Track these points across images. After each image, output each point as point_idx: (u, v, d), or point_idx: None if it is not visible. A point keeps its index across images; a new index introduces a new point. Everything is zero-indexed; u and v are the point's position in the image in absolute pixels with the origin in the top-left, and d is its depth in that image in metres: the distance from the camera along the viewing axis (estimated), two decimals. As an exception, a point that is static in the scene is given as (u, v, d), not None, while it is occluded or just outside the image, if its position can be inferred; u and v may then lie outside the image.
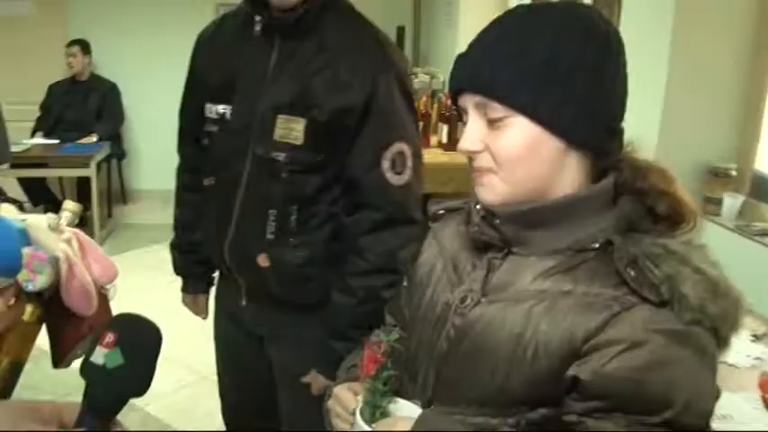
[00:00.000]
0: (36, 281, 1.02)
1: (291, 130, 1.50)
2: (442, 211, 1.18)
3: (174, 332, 2.07)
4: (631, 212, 0.92)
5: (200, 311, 1.94)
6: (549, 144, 0.91)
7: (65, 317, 1.15)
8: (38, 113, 5.65)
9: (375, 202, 1.54)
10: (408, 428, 0.93)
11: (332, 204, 1.59)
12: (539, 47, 0.89)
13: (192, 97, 1.71)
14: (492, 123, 0.92)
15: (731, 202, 2.87)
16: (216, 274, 1.91)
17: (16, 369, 1.16)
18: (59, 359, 1.20)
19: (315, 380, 1.65)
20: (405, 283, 1.27)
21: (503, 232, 0.96)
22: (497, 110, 0.91)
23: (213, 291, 1.96)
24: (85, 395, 0.87)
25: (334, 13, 1.54)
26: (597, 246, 0.91)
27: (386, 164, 1.52)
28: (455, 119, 4.05)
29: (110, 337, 0.87)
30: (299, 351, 1.67)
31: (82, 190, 5.46)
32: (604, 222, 0.92)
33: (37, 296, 1.12)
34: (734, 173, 2.93)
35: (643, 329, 0.82)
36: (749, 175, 2.98)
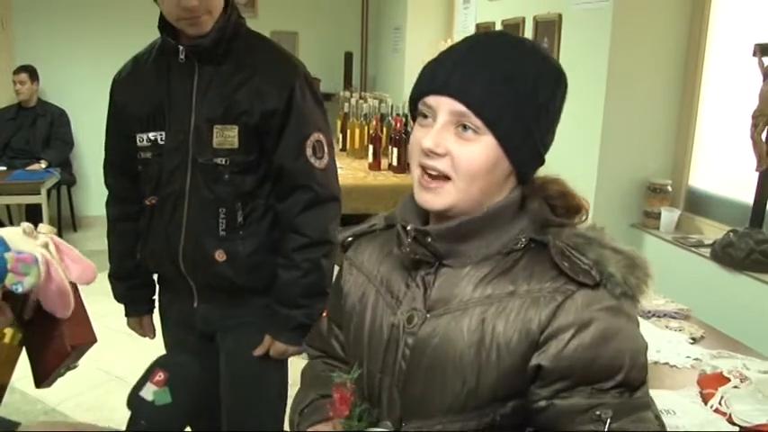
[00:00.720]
0: (24, 282, 1.03)
1: (227, 137, 1.70)
2: (350, 238, 1.22)
3: (130, 353, 2.09)
4: (540, 210, 1.03)
5: (148, 332, 2.05)
6: (502, 167, 0.99)
7: (46, 338, 1.17)
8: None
9: (304, 184, 1.74)
10: None
11: (268, 197, 1.78)
12: (524, 81, 0.97)
13: (118, 132, 1.84)
14: (461, 133, 0.97)
15: (668, 215, 3.04)
16: (156, 296, 2.02)
17: (1, 393, 1.18)
18: (42, 379, 1.21)
19: (273, 345, 1.83)
20: (324, 314, 1.32)
21: (435, 248, 1.02)
22: (475, 123, 0.96)
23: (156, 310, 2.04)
24: (129, 426, 0.91)
25: (242, 40, 1.74)
26: (523, 246, 1.01)
27: (308, 151, 1.74)
28: (404, 142, 4.16)
29: (160, 376, 0.91)
30: (250, 337, 1.84)
31: (31, 217, 5.38)
32: (521, 223, 1.02)
33: (18, 319, 1.14)
34: (670, 188, 3.11)
35: (587, 311, 0.94)
36: (684, 190, 3.17)
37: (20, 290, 1.03)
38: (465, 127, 0.97)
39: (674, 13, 3.05)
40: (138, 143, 1.77)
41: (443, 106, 0.98)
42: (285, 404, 1.96)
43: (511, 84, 0.96)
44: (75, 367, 1.25)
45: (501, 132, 0.96)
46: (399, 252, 1.07)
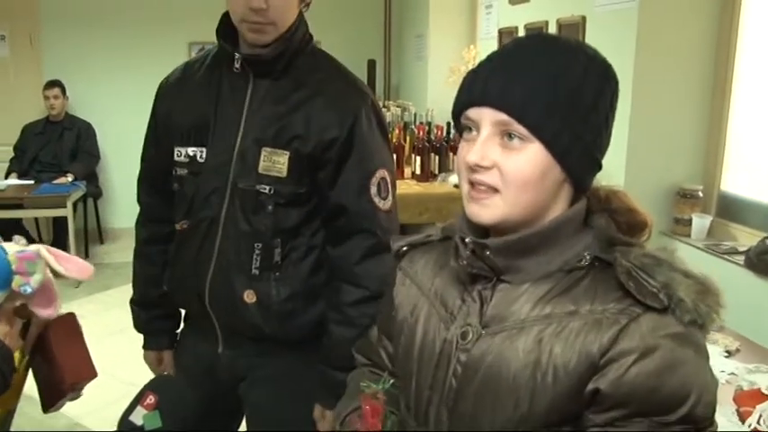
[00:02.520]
0: (32, 281, 1.01)
1: (275, 162, 1.52)
2: (405, 248, 1.19)
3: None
4: (607, 228, 0.98)
5: (167, 368, 1.84)
6: (554, 174, 0.94)
7: (48, 371, 1.15)
8: (12, 155, 5.64)
9: (366, 227, 1.56)
10: None
11: (312, 237, 1.60)
12: (567, 81, 0.93)
13: (157, 143, 1.71)
14: (507, 143, 0.93)
15: (700, 222, 2.96)
16: (179, 330, 1.87)
17: (8, 418, 1.16)
18: (48, 406, 1.19)
19: (323, 415, 1.62)
20: (375, 326, 1.29)
21: (494, 263, 0.98)
22: (519, 131, 0.92)
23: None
24: None
25: (307, 57, 1.58)
26: (587, 264, 0.96)
27: (373, 189, 1.55)
28: (428, 150, 4.13)
29: (150, 399, 0.88)
30: (278, 391, 1.65)
31: (58, 230, 5.44)
32: (585, 240, 0.97)
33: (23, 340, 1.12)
34: (701, 194, 3.03)
35: (652, 336, 0.88)
36: (715, 195, 3.08)
37: (28, 291, 1.01)
38: (510, 136, 0.93)
39: (702, 11, 2.98)
40: (176, 157, 1.62)
41: (485, 118, 0.94)
42: None
43: (553, 85, 0.92)
44: (79, 396, 1.23)
45: (548, 138, 0.92)
46: (456, 265, 1.03)
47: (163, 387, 0.90)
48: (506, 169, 0.93)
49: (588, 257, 0.96)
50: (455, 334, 1.01)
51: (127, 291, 1.87)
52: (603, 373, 0.88)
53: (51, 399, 1.16)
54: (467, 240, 0.99)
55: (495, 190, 0.94)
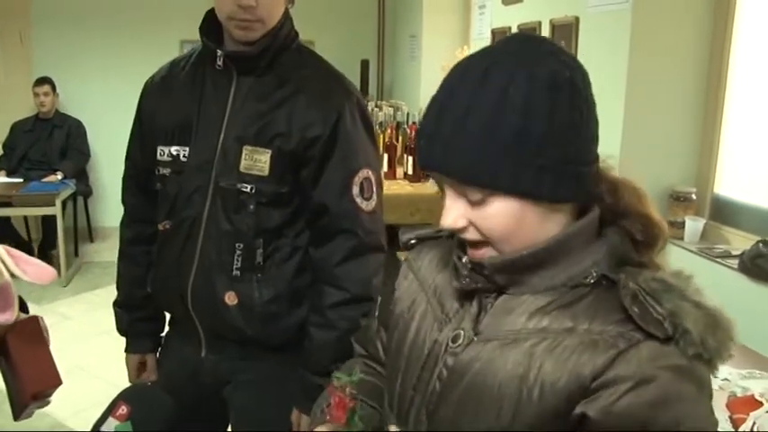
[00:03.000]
0: None
1: (257, 161, 1.51)
2: (414, 240, 1.16)
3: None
4: (620, 246, 0.92)
5: (150, 373, 1.82)
6: (534, 210, 0.89)
7: (12, 379, 1.11)
8: (0, 152, 5.61)
9: (347, 228, 1.54)
10: None
11: (296, 238, 1.58)
12: (508, 120, 0.85)
13: (142, 143, 1.69)
14: (472, 198, 0.89)
15: (693, 225, 2.93)
16: (164, 334, 1.84)
17: None
18: (16, 415, 1.16)
19: (301, 419, 1.60)
20: (376, 314, 1.26)
21: (494, 280, 0.94)
22: (476, 193, 0.88)
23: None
24: None
25: (292, 54, 1.57)
26: (592, 281, 0.91)
27: (355, 189, 1.53)
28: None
29: (123, 410, 0.85)
30: (262, 394, 1.64)
31: (47, 228, 5.40)
32: (595, 255, 0.92)
33: None
34: (694, 197, 3.00)
35: (650, 366, 0.82)
36: (709, 198, 3.06)
37: None
38: (473, 199, 0.90)
39: (696, 12, 2.96)
40: (159, 157, 1.60)
41: (442, 180, 0.92)
42: None
43: (494, 132, 0.85)
44: (47, 404, 1.20)
45: (505, 187, 0.87)
46: (458, 284, 0.98)
47: (136, 397, 0.87)
48: (481, 227, 0.90)
49: (595, 275, 0.91)
50: (447, 336, 0.97)
51: (115, 290, 1.84)
52: (594, 398, 0.83)
53: (17, 409, 1.12)
54: (464, 260, 0.96)
55: (483, 242, 0.92)
